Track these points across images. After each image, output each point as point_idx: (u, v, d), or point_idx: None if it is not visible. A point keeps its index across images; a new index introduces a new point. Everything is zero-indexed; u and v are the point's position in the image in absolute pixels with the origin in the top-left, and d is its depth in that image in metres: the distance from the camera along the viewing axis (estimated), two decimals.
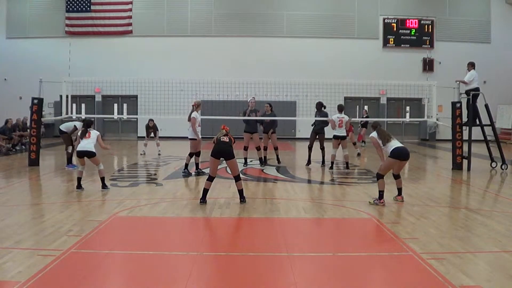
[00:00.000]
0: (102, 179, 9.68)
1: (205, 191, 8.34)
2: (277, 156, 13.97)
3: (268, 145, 13.88)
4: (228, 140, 8.43)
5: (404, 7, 26.48)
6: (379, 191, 8.39)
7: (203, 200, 8.31)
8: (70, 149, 13.02)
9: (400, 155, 8.33)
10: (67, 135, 13.05)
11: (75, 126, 13.04)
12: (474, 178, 12.05)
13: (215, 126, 23.31)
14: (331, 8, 26.15)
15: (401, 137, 26.51)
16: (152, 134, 17.55)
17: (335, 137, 13.18)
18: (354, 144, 17.57)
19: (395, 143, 8.41)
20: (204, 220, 7.42)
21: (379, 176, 8.44)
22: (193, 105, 11.95)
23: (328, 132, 13.71)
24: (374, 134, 8.70)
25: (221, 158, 8.39)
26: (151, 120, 17.55)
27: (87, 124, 9.92)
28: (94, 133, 9.76)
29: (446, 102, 14.64)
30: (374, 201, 8.41)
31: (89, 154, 9.55)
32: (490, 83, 23.25)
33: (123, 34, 26.12)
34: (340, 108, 13.57)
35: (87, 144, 9.56)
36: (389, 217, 7.47)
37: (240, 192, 8.44)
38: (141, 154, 17.04)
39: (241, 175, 11.85)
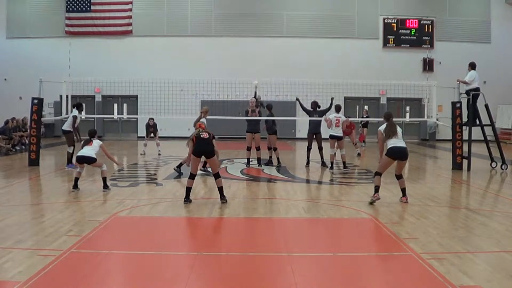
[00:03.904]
0: (104, 179, 9.63)
1: (188, 189, 8.35)
2: (270, 157, 13.88)
3: (269, 145, 13.82)
4: (207, 136, 8.36)
5: (404, 7, 26.50)
6: (375, 186, 8.46)
7: (187, 199, 8.31)
8: (71, 149, 12.98)
9: (393, 154, 8.33)
10: (71, 133, 12.98)
11: (73, 116, 13.08)
12: (474, 178, 12.05)
13: (215, 126, 23.39)
14: (331, 8, 26.15)
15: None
16: (152, 134, 17.51)
17: (332, 137, 13.18)
18: (355, 144, 17.57)
19: (394, 142, 8.38)
20: (204, 220, 7.42)
21: (376, 174, 8.54)
22: (201, 112, 12.06)
23: (325, 132, 13.70)
24: (382, 127, 8.62)
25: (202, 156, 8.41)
26: (151, 118, 17.54)
27: (90, 134, 9.92)
28: (96, 142, 9.75)
29: (446, 102, 14.67)
30: (371, 198, 8.45)
31: (90, 160, 9.52)
32: (490, 83, 23.23)
33: (123, 34, 26.13)
34: (338, 108, 13.58)
35: (88, 151, 9.55)
36: (389, 217, 7.46)
37: (220, 189, 8.34)
38: (141, 154, 17.02)
39: (241, 175, 11.98)
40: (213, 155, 8.30)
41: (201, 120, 11.79)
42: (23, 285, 4.49)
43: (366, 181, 11.30)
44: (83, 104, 14.04)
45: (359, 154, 17.01)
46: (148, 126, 17.58)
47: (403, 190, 8.70)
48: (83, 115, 14.05)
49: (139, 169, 13.92)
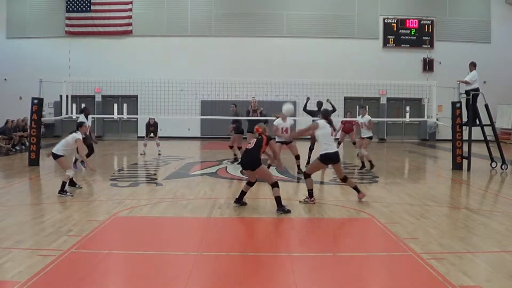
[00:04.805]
0: (63, 183, 8.90)
1: (242, 193, 8.08)
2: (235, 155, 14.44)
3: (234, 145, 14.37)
4: (252, 146, 7.89)
5: (404, 7, 26.50)
6: (308, 190, 8.41)
7: (238, 201, 8.07)
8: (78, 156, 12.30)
9: (328, 160, 8.34)
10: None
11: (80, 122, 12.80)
12: (474, 178, 12.05)
13: (215, 126, 23.42)
14: (331, 8, 26.15)
15: (401, 137, 26.54)
16: (152, 134, 17.42)
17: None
18: (354, 144, 17.51)
19: (328, 147, 8.26)
20: (204, 220, 7.42)
21: (306, 176, 8.47)
22: (277, 117, 12.08)
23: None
24: (322, 121, 8.46)
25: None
26: (152, 118, 17.47)
27: (76, 126, 9.56)
28: (71, 136, 9.19)
29: (446, 102, 14.66)
30: (304, 199, 8.44)
31: (53, 156, 9.05)
32: (490, 83, 23.24)
33: (123, 34, 26.13)
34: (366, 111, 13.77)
35: (57, 145, 9.14)
36: (389, 217, 7.46)
37: (277, 199, 7.69)
38: (141, 154, 16.99)
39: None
40: (256, 167, 7.79)
41: (276, 121, 11.71)
42: (23, 285, 4.49)
43: (366, 181, 11.30)
44: (82, 105, 13.76)
45: (358, 154, 16.96)
46: (148, 125, 17.52)
47: (356, 188, 8.67)
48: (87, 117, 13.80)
49: (139, 169, 13.91)
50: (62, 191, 8.88)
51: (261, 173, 7.86)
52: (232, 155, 14.60)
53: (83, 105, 13.95)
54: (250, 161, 7.85)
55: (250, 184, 8.08)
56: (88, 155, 12.25)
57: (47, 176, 11.93)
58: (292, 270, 5.04)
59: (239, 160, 13.81)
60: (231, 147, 14.44)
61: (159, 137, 17.63)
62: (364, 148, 13.08)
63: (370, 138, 13.26)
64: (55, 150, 9.09)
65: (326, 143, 8.31)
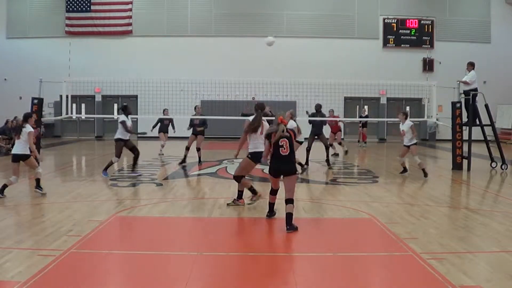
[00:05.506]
0: (37, 180, 8.99)
1: (271, 205, 7.38)
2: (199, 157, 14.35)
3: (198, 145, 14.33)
4: (288, 150, 6.85)
5: (404, 7, 26.49)
6: (238, 191, 8.09)
7: (270, 214, 7.39)
8: (115, 160, 11.71)
9: (255, 158, 7.90)
10: (120, 141, 11.87)
11: (121, 122, 11.99)
12: (474, 178, 12.05)
13: (215, 126, 23.40)
14: (331, 8, 26.15)
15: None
16: (165, 132, 16.87)
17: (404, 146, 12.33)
18: (340, 144, 17.30)
19: (258, 146, 7.85)
20: (204, 220, 7.42)
21: (239, 179, 8.00)
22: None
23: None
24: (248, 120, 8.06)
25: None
26: (166, 109, 17.02)
27: (24, 118, 8.96)
28: (24, 132, 8.74)
29: (446, 102, 14.67)
30: (233, 201, 8.13)
31: (23, 157, 8.82)
32: (490, 83, 23.24)
33: (123, 34, 26.13)
34: (406, 116, 12.72)
35: (17, 146, 8.81)
36: (389, 217, 7.47)
37: (289, 216, 6.63)
38: (159, 154, 16.50)
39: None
40: (291, 173, 6.85)
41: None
42: (23, 285, 4.49)
43: (366, 181, 11.30)
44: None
45: (346, 152, 16.82)
46: (162, 120, 16.77)
47: (250, 190, 8.10)
48: (83, 115, 13.81)
49: (139, 169, 13.87)
50: (38, 187, 8.94)
51: (292, 181, 6.86)
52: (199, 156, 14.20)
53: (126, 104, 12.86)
54: (289, 168, 6.85)
55: (273, 193, 7.29)
56: (136, 158, 11.85)
57: (47, 176, 11.89)
58: (292, 270, 5.04)
59: (185, 160, 13.81)
60: (198, 149, 14.17)
61: (168, 137, 17.35)
62: (415, 154, 11.90)
63: (415, 144, 12.04)
64: (23, 150, 8.76)
65: (254, 142, 7.93)
